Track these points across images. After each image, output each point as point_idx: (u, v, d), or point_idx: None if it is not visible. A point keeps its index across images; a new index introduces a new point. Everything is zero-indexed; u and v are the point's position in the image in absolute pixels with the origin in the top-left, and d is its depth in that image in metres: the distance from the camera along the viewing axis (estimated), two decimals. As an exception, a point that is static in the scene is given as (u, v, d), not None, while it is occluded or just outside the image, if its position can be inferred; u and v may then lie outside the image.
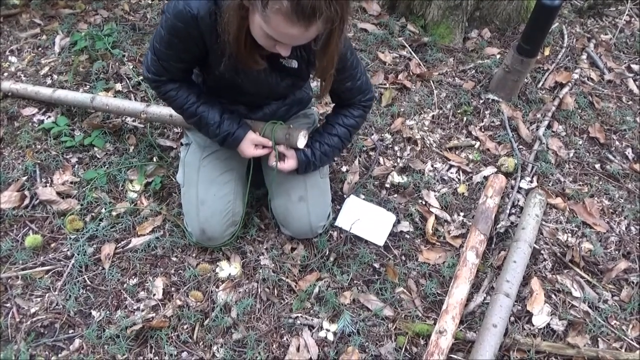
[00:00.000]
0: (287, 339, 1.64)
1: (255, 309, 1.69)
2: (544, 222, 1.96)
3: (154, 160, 2.07)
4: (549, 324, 1.70)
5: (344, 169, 2.12)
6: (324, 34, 1.25)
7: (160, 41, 1.39)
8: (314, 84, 2.09)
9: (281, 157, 1.66)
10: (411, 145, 2.22)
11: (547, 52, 2.71)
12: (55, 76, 2.34)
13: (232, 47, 1.31)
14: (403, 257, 1.87)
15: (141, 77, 2.34)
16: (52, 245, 1.80)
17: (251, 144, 1.62)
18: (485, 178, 2.11)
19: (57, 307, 1.66)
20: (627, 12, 2.98)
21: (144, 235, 1.84)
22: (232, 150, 1.65)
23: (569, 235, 1.95)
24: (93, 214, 1.88)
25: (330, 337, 1.65)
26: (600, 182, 2.16)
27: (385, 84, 2.45)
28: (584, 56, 2.72)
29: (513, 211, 2.00)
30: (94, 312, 1.65)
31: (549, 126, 2.34)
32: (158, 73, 1.48)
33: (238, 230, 1.79)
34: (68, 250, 1.78)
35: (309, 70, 1.54)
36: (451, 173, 2.15)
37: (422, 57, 2.60)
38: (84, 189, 1.94)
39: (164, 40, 1.38)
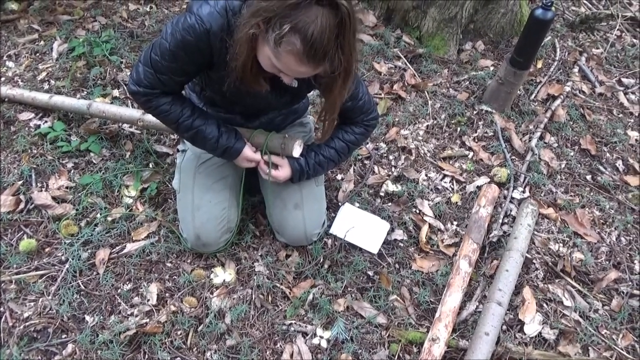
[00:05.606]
0: (280, 346, 1.64)
1: (249, 315, 1.70)
2: (536, 232, 1.99)
3: (150, 166, 2.07)
4: (540, 332, 1.71)
5: (339, 177, 2.14)
6: (327, 78, 1.28)
7: (162, 54, 1.35)
8: (311, 94, 2.11)
9: (275, 165, 1.68)
10: (406, 154, 2.25)
11: (539, 65, 2.76)
12: (52, 81, 2.35)
13: (238, 73, 1.31)
14: (397, 265, 1.88)
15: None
16: (47, 249, 1.80)
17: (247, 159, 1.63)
18: (479, 188, 2.13)
19: (50, 311, 1.65)
20: (618, 27, 3.04)
21: (139, 240, 1.84)
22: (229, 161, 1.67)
23: (561, 245, 1.97)
24: (88, 219, 1.89)
25: (324, 344, 1.65)
26: (592, 193, 2.18)
27: (380, 94, 2.48)
28: (576, 69, 2.77)
29: (505, 221, 2.02)
30: (87, 317, 1.65)
31: (541, 137, 2.38)
32: (151, 86, 1.42)
33: (232, 237, 1.80)
34: (62, 254, 1.78)
35: (309, 90, 1.58)
36: (445, 182, 2.17)
37: (417, 68, 2.63)
38: (79, 194, 1.94)
39: (168, 53, 1.34)
